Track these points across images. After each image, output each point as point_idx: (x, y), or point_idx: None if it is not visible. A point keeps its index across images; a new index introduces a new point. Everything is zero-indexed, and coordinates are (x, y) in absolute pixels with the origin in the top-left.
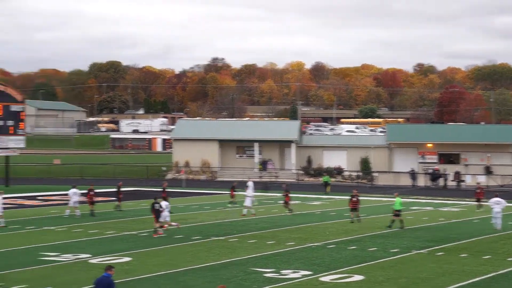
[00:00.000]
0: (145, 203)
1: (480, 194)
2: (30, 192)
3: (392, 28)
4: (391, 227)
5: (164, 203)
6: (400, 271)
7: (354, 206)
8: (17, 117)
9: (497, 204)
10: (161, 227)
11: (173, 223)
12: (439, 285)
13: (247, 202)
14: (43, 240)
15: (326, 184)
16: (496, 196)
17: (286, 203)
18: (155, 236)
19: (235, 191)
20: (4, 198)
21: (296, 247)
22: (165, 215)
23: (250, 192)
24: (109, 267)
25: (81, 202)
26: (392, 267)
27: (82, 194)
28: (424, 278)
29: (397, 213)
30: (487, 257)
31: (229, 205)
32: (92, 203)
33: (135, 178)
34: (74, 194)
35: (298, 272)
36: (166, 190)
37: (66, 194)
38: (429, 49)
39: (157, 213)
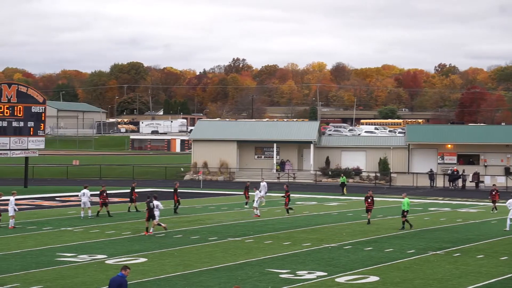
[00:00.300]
0: (162, 204)
1: (496, 195)
2: (48, 193)
3: (414, 28)
4: (404, 228)
5: (156, 203)
6: (416, 272)
7: (369, 207)
8: (38, 118)
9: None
10: (158, 225)
11: (162, 224)
12: (455, 286)
13: (255, 203)
14: (60, 240)
15: (343, 185)
16: None
17: (286, 203)
18: (145, 234)
19: (249, 192)
20: (19, 199)
21: (312, 248)
22: (156, 214)
23: (262, 192)
24: (125, 267)
25: (92, 203)
26: (408, 268)
27: (93, 195)
28: (440, 279)
29: (405, 214)
30: (504, 258)
31: (246, 206)
32: (105, 204)
33: (153, 179)
34: (83, 195)
35: (314, 273)
36: (178, 190)
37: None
38: (451, 49)
39: (150, 212)
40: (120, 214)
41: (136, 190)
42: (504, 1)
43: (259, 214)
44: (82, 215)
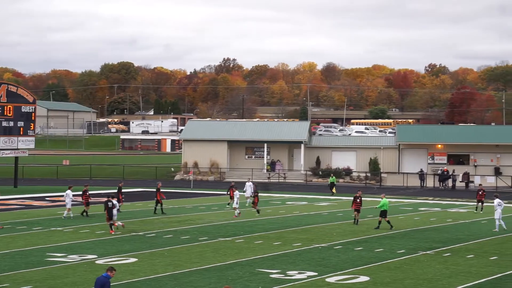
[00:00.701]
0: (152, 204)
1: (483, 195)
2: (38, 192)
3: (404, 28)
4: (379, 228)
5: (114, 202)
6: (406, 272)
7: (357, 207)
8: (28, 117)
9: (499, 206)
10: (112, 225)
11: (119, 222)
12: (445, 286)
13: (235, 204)
14: (50, 240)
15: (332, 185)
16: (496, 197)
17: (254, 203)
18: (112, 233)
19: (234, 191)
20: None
21: (302, 248)
22: (113, 213)
23: (248, 192)
24: (111, 268)
25: (76, 204)
26: (398, 268)
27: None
28: (430, 279)
29: (382, 214)
30: (494, 258)
31: (228, 206)
32: (87, 204)
33: (144, 179)
34: (66, 196)
35: (304, 273)
36: (161, 190)
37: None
38: (441, 49)
39: (109, 212)
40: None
41: (124, 190)
42: (494, 2)
43: (237, 215)
44: (64, 215)
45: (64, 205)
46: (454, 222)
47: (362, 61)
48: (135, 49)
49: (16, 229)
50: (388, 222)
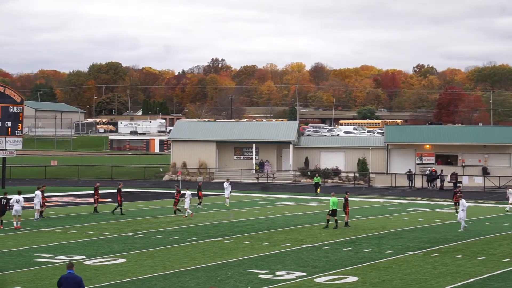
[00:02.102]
0: (141, 204)
1: (460, 197)
2: (26, 193)
3: (392, 29)
4: (328, 226)
5: (17, 197)
6: (395, 272)
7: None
8: (16, 118)
9: (463, 207)
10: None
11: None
12: (434, 286)
13: (186, 204)
14: (38, 241)
15: (317, 185)
16: (461, 198)
17: (199, 197)
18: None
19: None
20: None
21: (291, 248)
22: (17, 209)
23: (226, 192)
24: (71, 264)
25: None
26: (387, 268)
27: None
28: (418, 279)
29: (332, 213)
30: (482, 258)
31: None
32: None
33: (132, 180)
34: (36, 197)
35: (293, 273)
36: (122, 191)
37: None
38: (429, 50)
39: (2, 208)
40: (102, 215)
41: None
42: (481, 3)
43: (186, 215)
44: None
45: (56, 206)
46: (443, 223)
47: (350, 62)
48: (121, 49)
49: (5, 229)
50: (336, 221)
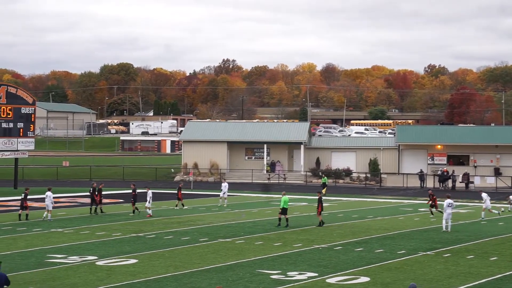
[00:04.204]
0: (153, 205)
1: (433, 199)
2: (38, 194)
3: (404, 29)
4: (280, 225)
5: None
6: (407, 273)
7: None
8: (28, 119)
9: (449, 207)
10: None
11: None
12: (446, 287)
13: (147, 203)
14: (50, 242)
15: (323, 185)
16: (448, 198)
17: (179, 199)
18: None
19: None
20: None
21: (303, 249)
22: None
23: (223, 192)
24: None
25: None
26: (399, 268)
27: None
28: (430, 279)
29: (283, 211)
30: (494, 258)
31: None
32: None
33: (143, 180)
34: (47, 198)
35: (305, 274)
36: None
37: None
38: (441, 50)
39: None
40: (112, 215)
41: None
42: (493, 3)
43: (151, 214)
44: (47, 217)
45: (67, 207)
46: (454, 223)
47: (362, 62)
48: (134, 50)
49: (17, 230)
50: (287, 220)
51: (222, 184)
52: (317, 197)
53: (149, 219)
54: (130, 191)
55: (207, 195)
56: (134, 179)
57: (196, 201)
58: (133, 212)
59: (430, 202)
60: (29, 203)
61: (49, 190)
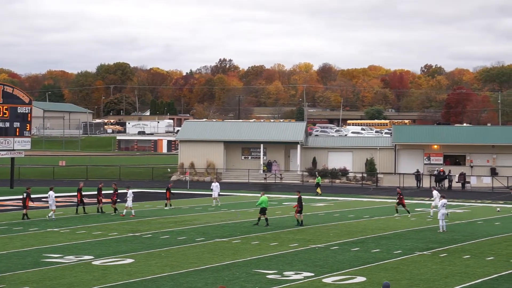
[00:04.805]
0: (149, 205)
1: (401, 198)
2: (34, 193)
3: (400, 29)
4: (258, 224)
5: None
6: (403, 273)
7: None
8: (24, 118)
9: (443, 207)
10: None
11: None
12: (442, 287)
13: (128, 203)
14: (46, 241)
15: (317, 185)
16: (443, 198)
17: (167, 199)
18: None
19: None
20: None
21: (299, 249)
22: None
23: (215, 193)
24: None
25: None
26: (395, 268)
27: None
28: (426, 279)
29: (262, 211)
30: (490, 258)
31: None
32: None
33: (140, 180)
34: (49, 197)
35: (301, 273)
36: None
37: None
38: (437, 50)
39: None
40: (108, 215)
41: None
42: (489, 3)
43: (124, 214)
44: (52, 216)
45: (64, 206)
46: (451, 223)
47: (358, 62)
48: (131, 50)
49: (13, 230)
50: (266, 220)
51: (213, 184)
52: (297, 196)
53: (146, 219)
54: (112, 191)
55: (204, 195)
56: (130, 178)
57: (193, 200)
58: (114, 211)
59: (397, 200)
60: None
61: (51, 189)
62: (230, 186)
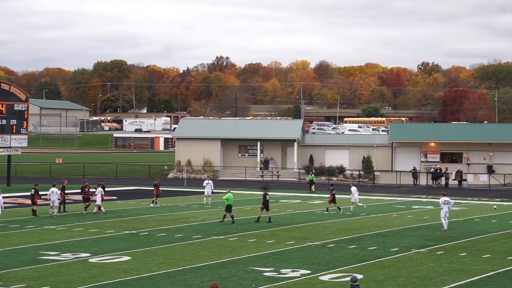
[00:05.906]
0: (145, 202)
1: (332, 197)
2: (31, 191)
3: (397, 27)
4: (222, 222)
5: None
6: (400, 270)
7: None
8: (21, 116)
9: (445, 204)
10: None
11: None
12: (438, 284)
13: (98, 201)
14: (43, 239)
15: (311, 182)
16: (444, 195)
17: (156, 196)
18: None
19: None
20: (4, 197)
21: (296, 246)
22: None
23: (207, 190)
24: None
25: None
26: (392, 266)
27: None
28: (423, 277)
29: (227, 208)
30: (487, 256)
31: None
32: (86, 199)
33: (137, 177)
34: (52, 194)
35: (298, 271)
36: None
37: (46, 194)
38: (434, 48)
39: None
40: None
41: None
42: (485, 0)
43: (95, 212)
44: (50, 213)
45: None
46: (447, 220)
47: (355, 60)
48: (127, 47)
49: (9, 227)
50: (232, 217)
51: (205, 181)
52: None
53: (143, 217)
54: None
55: (201, 193)
56: (127, 176)
57: (189, 198)
58: (85, 209)
59: (331, 197)
60: (23, 200)
61: (53, 186)
62: (227, 183)
